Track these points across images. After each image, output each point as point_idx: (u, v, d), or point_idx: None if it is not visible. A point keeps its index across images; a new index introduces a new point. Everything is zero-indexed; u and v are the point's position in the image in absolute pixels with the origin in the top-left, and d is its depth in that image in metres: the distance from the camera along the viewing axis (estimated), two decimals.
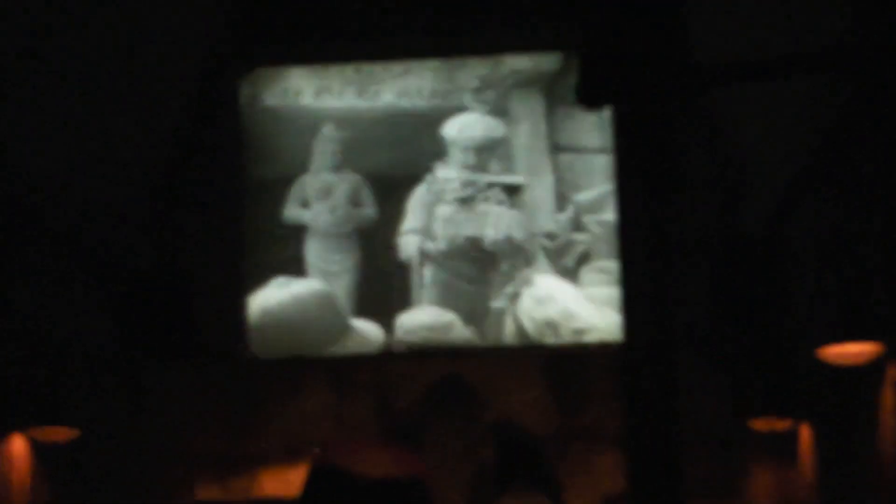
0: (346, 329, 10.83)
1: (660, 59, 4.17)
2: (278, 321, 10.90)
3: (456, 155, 10.93)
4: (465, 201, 10.90)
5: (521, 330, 10.72)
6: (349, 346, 10.82)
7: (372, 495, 2.11)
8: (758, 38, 8.60)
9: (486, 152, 10.92)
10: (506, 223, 10.84)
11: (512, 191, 10.89)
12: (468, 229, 10.88)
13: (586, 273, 10.79)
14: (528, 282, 10.79)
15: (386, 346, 10.80)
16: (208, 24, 10.76)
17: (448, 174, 10.93)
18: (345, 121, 11.08)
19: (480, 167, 10.92)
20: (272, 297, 10.92)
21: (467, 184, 10.91)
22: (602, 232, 10.63)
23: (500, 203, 10.87)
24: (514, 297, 10.77)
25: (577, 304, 10.74)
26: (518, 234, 10.82)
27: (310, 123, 11.09)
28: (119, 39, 9.51)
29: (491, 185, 10.89)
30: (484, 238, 10.85)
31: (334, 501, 2.14)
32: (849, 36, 6.97)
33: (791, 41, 7.93)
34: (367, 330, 10.81)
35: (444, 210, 10.90)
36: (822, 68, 5.85)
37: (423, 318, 10.84)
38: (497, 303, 10.79)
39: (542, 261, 10.78)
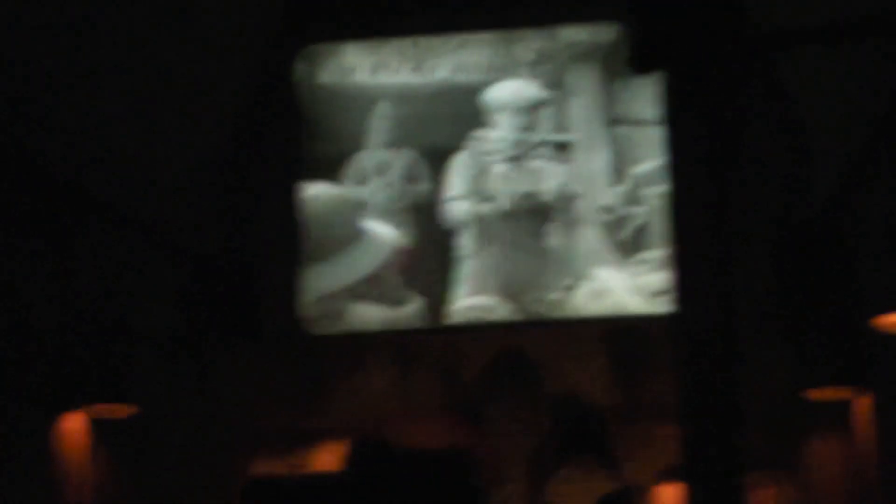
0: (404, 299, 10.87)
1: (715, 22, 4.08)
2: (338, 297, 10.92)
3: (505, 118, 10.92)
4: (517, 159, 10.88)
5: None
6: (410, 320, 10.84)
7: (409, 466, 2.08)
8: (820, 2, 8.48)
9: (536, 114, 10.90)
10: (559, 176, 10.82)
11: (562, 148, 10.86)
12: (524, 185, 10.86)
13: (642, 260, 10.74)
14: (584, 275, 10.75)
15: (445, 320, 10.80)
16: (264, 2, 10.77)
17: (499, 135, 10.91)
18: (400, 97, 11.06)
19: (530, 128, 10.91)
20: (333, 273, 10.96)
21: (518, 143, 10.90)
22: (660, 205, 10.55)
23: (551, 160, 10.85)
24: (570, 289, 10.74)
25: (632, 298, 10.71)
26: (571, 187, 10.80)
27: (366, 100, 11.08)
28: (179, 19, 9.53)
29: (541, 144, 10.87)
30: (540, 193, 10.83)
31: (372, 471, 2.11)
32: None
33: (855, 5, 7.80)
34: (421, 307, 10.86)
35: (498, 169, 10.89)
36: (887, 33, 5.73)
37: (476, 301, 10.83)
38: (553, 295, 10.76)
39: (596, 232, 10.75)
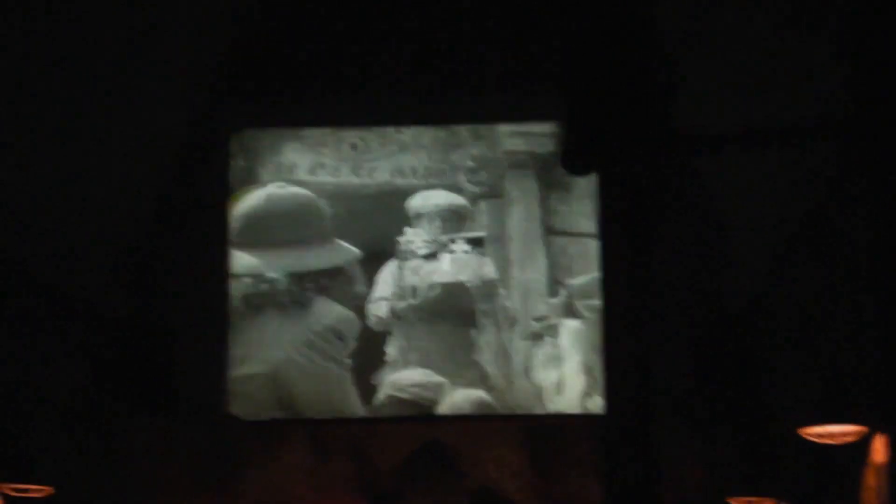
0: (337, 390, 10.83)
1: (644, 126, 4.13)
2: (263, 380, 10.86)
3: (422, 224, 10.97)
4: (431, 256, 10.91)
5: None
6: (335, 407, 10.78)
7: None
8: (745, 108, 8.59)
9: (451, 220, 10.94)
10: (474, 266, 10.84)
11: (476, 243, 10.90)
12: (439, 277, 10.88)
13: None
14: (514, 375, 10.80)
15: (368, 410, 10.74)
16: (199, 83, 10.76)
17: (413, 236, 10.96)
18: (338, 196, 11.10)
19: (445, 232, 10.96)
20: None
21: (431, 242, 10.93)
22: (593, 318, 10.53)
23: (465, 252, 10.88)
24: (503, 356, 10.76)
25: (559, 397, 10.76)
26: (490, 274, 10.83)
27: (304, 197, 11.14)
28: (108, 88, 9.49)
29: (454, 240, 10.91)
30: (455, 282, 10.84)
31: None
32: (836, 106, 6.95)
33: (778, 111, 7.92)
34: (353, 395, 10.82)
35: (412, 265, 10.90)
36: (809, 140, 5.83)
37: (415, 376, 10.79)
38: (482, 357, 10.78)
39: (527, 342, 10.79)
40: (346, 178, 11.07)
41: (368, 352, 10.83)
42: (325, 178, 11.08)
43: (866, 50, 6.12)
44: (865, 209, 7.25)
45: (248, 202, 11.01)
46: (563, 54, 10.30)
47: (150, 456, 10.56)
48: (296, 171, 11.11)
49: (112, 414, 10.47)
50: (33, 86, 8.66)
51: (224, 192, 11.02)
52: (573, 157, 3.99)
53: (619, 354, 4.07)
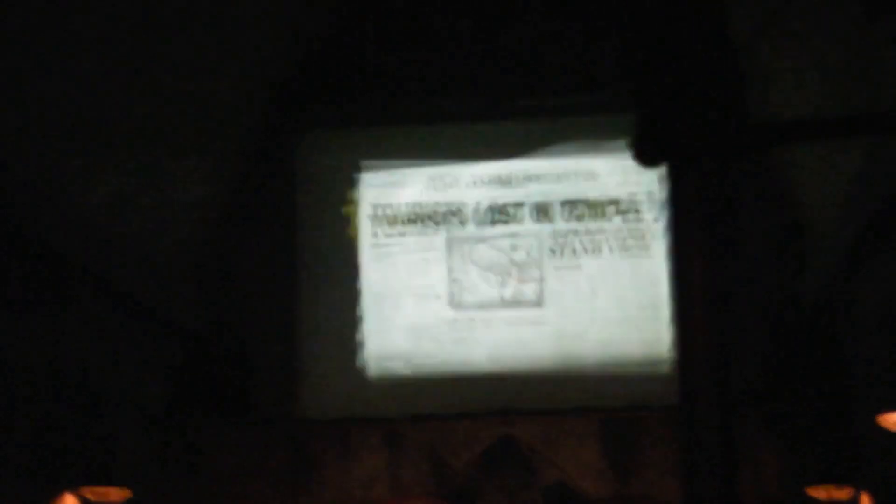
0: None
1: (717, 117, 4.10)
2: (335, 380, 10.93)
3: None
4: None
5: None
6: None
7: None
8: (821, 97, 8.53)
9: None
10: None
11: None
12: None
13: None
14: None
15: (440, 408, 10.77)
16: (266, 85, 10.81)
17: None
18: None
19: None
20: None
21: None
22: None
23: None
24: None
25: None
26: None
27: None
28: (175, 96, 9.55)
29: None
30: None
31: None
32: None
33: (853, 101, 7.85)
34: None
35: None
36: (884, 129, 5.75)
37: None
38: None
39: None
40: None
41: None
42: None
43: None
44: None
45: None
46: (633, 45, 10.31)
47: (227, 459, 10.63)
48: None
49: (190, 419, 10.55)
50: (106, 98, 8.73)
51: (292, 199, 11.11)
52: (644, 147, 3.96)
53: (695, 345, 4.02)
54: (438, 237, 11.09)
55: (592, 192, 11.03)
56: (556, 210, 11.04)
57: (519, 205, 11.08)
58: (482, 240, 11.03)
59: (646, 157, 3.94)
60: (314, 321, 11.00)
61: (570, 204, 11.02)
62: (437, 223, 11.08)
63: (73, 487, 8.79)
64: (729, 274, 3.98)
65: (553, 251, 10.96)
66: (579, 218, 11.00)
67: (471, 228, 11.08)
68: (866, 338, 9.16)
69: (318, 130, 11.29)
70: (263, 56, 10.52)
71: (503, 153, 11.14)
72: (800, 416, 10.16)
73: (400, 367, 10.91)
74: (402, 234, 11.11)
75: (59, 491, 8.72)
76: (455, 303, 10.98)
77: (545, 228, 11.00)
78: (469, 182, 11.15)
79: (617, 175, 11.00)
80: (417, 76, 11.17)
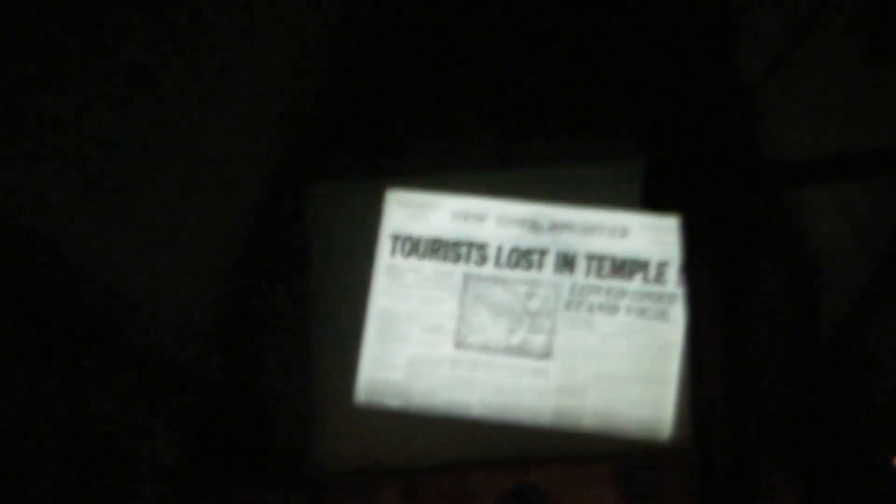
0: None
1: (728, 162, 4.09)
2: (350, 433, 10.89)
3: None
4: None
5: None
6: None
7: None
8: (831, 136, 8.52)
9: None
10: None
11: None
12: None
13: None
14: None
15: (458, 459, 10.72)
16: (282, 135, 10.84)
17: None
18: None
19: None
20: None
21: None
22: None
23: None
24: None
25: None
26: None
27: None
28: (187, 149, 9.58)
29: None
30: None
31: None
32: None
33: (865, 138, 7.84)
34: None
35: None
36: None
37: None
38: None
39: None
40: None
41: None
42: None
43: None
44: None
45: None
46: (643, 91, 10.33)
47: None
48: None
49: (207, 476, 10.51)
50: (118, 154, 8.76)
51: (303, 247, 11.10)
52: (655, 194, 3.96)
53: (710, 389, 4.00)
54: (457, 273, 11.03)
55: (620, 249, 10.95)
56: (581, 263, 10.96)
57: (544, 252, 11.01)
58: (499, 282, 10.98)
59: (654, 203, 3.93)
60: (328, 372, 10.97)
61: (597, 259, 10.93)
62: (455, 260, 11.03)
63: None
64: (744, 315, 3.97)
65: (569, 305, 10.88)
66: (601, 274, 10.92)
67: (490, 269, 11.02)
68: (882, 380, 9.12)
69: (332, 179, 11.28)
70: (279, 105, 10.55)
71: (530, 198, 11.09)
72: (819, 460, 10.10)
73: (397, 404, 10.86)
74: (418, 270, 11.07)
75: None
76: (459, 342, 10.92)
77: (565, 280, 10.93)
78: (494, 222, 11.08)
79: (647, 234, 10.92)
80: (433, 125, 11.19)
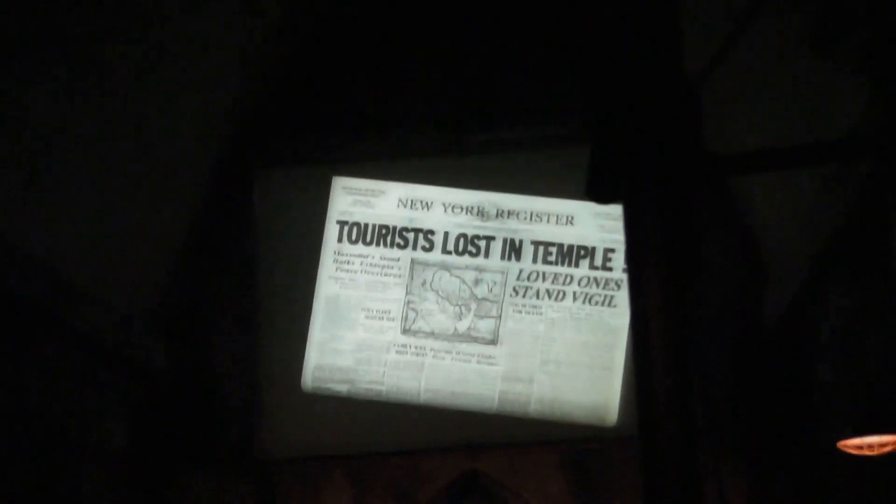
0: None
1: (672, 151, 4.12)
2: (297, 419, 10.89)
3: None
4: None
5: None
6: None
7: None
8: (774, 126, 8.60)
9: None
10: None
11: None
12: None
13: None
14: None
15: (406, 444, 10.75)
16: (226, 123, 10.81)
17: None
18: None
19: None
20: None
21: None
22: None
23: None
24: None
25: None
26: None
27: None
28: (135, 140, 9.54)
29: None
30: None
31: None
32: (865, 122, 6.95)
33: (807, 128, 7.92)
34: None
35: None
36: (839, 156, 5.81)
37: None
38: None
39: None
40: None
41: None
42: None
43: (888, 68, 6.12)
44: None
45: None
46: (587, 81, 10.37)
47: (192, 502, 10.58)
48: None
49: (154, 462, 10.49)
50: (61, 139, 8.71)
51: (251, 234, 11.09)
52: (599, 184, 3.98)
53: (654, 375, 4.03)
54: (404, 259, 11.05)
55: (567, 236, 10.98)
56: (528, 249, 10.98)
57: (490, 239, 11.03)
58: (447, 268, 10.99)
59: (597, 193, 3.95)
60: (275, 358, 10.97)
61: (543, 245, 10.96)
62: (403, 246, 11.05)
63: None
64: (689, 304, 3.99)
65: (516, 291, 10.91)
66: (548, 261, 10.95)
67: (437, 255, 11.03)
68: (825, 363, 9.22)
69: (279, 167, 11.25)
70: (225, 92, 10.53)
71: (477, 186, 11.11)
72: (764, 442, 10.20)
73: (344, 390, 10.87)
74: (365, 256, 11.07)
75: None
76: (407, 328, 10.94)
77: (513, 267, 10.96)
78: (441, 209, 11.09)
79: (594, 221, 10.94)
80: (381, 113, 11.19)
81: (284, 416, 10.86)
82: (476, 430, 10.71)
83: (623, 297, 10.74)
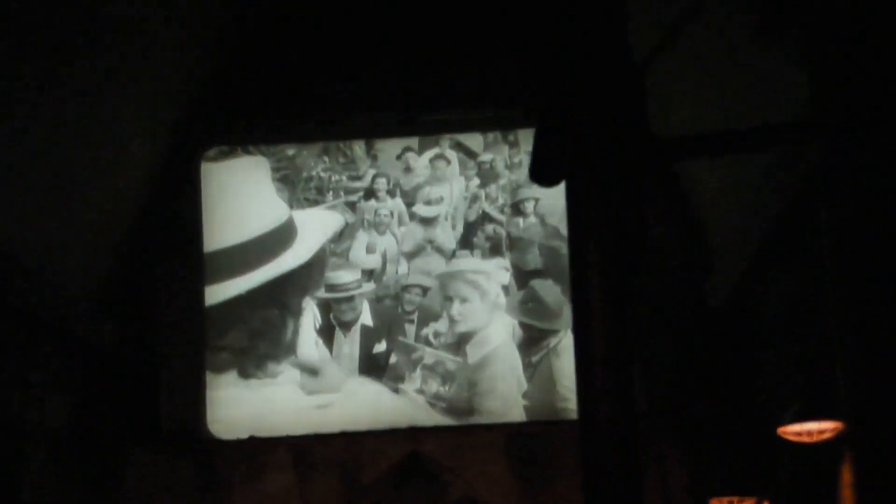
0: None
1: (617, 134, 4.14)
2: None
3: None
4: None
5: None
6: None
7: None
8: (719, 111, 8.63)
9: None
10: None
11: None
12: None
13: None
14: None
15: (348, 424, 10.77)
16: (173, 102, 10.76)
17: None
18: None
19: None
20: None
21: None
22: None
23: None
24: None
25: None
26: None
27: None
28: (81, 116, 9.47)
29: None
30: None
31: None
32: (808, 108, 7.00)
33: (751, 113, 7.96)
34: None
35: None
36: (782, 141, 5.85)
37: None
38: None
39: None
40: None
41: None
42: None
43: (830, 54, 6.17)
44: (836, 209, 7.29)
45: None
46: (535, 65, 10.39)
47: (135, 480, 10.55)
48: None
49: (97, 439, 10.44)
50: (8, 108, 8.65)
51: (198, 212, 11.05)
52: (541, 167, 4.00)
53: (594, 355, 4.06)
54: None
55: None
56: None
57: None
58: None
59: (542, 175, 3.97)
60: (219, 337, 10.95)
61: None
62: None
63: None
64: (631, 286, 4.02)
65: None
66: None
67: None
68: (767, 350, 9.28)
69: (224, 146, 11.22)
70: (175, 73, 10.47)
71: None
72: (705, 426, 10.26)
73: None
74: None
75: None
76: None
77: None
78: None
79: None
80: (328, 92, 11.17)
81: (228, 395, 10.84)
82: (418, 413, 10.74)
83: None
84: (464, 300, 10.93)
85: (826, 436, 7.47)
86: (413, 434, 10.66)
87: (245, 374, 10.90)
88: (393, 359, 10.88)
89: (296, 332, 10.99)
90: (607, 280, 4.02)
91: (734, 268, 9.79)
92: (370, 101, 11.14)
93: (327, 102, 11.16)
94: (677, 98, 9.05)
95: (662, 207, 10.66)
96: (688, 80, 8.89)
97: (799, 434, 7.58)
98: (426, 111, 11.14)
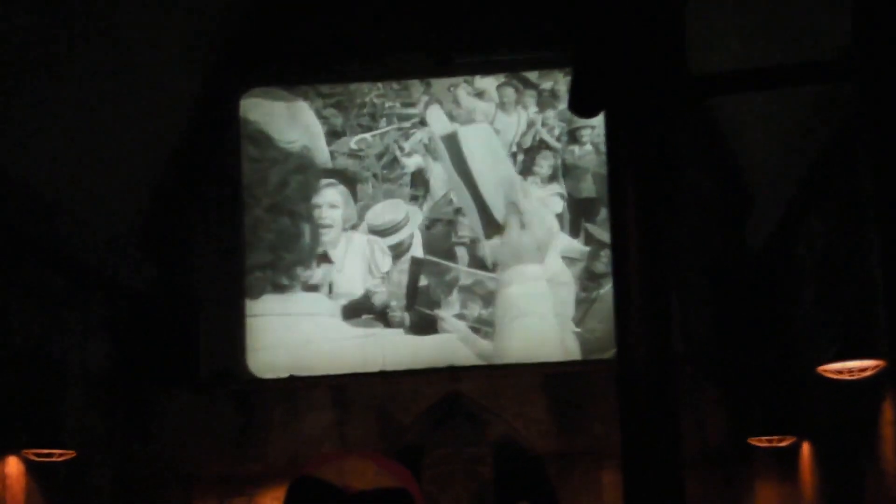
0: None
1: (655, 67, 4.09)
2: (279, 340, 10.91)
3: None
4: None
5: None
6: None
7: None
8: (758, 48, 8.55)
9: None
10: None
11: None
12: None
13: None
14: None
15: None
16: (210, 45, 10.73)
17: None
18: None
19: None
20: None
21: None
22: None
23: None
24: None
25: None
26: None
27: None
28: (119, 61, 9.46)
29: None
30: None
31: None
32: (849, 45, 6.91)
33: (792, 50, 7.88)
34: None
35: None
36: (822, 78, 5.76)
37: None
38: None
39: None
40: None
41: None
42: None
43: None
44: (881, 149, 7.20)
45: None
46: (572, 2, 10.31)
47: (174, 421, 10.61)
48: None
49: (136, 381, 10.51)
50: (45, 61, 8.64)
51: (236, 156, 11.05)
52: (580, 95, 3.95)
53: (630, 296, 4.01)
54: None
55: None
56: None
57: None
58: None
59: (580, 106, 3.92)
60: (259, 280, 10.97)
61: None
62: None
63: (17, 450, 8.75)
64: (668, 228, 3.97)
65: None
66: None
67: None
68: (806, 290, 9.23)
69: (264, 87, 11.20)
70: (211, 15, 10.44)
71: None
72: (744, 367, 10.24)
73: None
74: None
75: (3, 453, 8.68)
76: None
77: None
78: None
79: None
80: (362, 35, 11.12)
81: (266, 336, 10.87)
82: (457, 353, 10.75)
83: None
84: (519, 226, 10.91)
85: (867, 374, 7.45)
86: (452, 373, 10.67)
87: (277, 288, 10.91)
88: (438, 285, 10.90)
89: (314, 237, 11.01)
90: (644, 215, 3.97)
91: (773, 209, 9.73)
92: (406, 42, 11.09)
93: (364, 44, 11.11)
94: (717, 35, 8.97)
95: (701, 149, 10.61)
96: (728, 17, 8.80)
97: (840, 372, 7.55)
98: (461, 53, 11.08)
